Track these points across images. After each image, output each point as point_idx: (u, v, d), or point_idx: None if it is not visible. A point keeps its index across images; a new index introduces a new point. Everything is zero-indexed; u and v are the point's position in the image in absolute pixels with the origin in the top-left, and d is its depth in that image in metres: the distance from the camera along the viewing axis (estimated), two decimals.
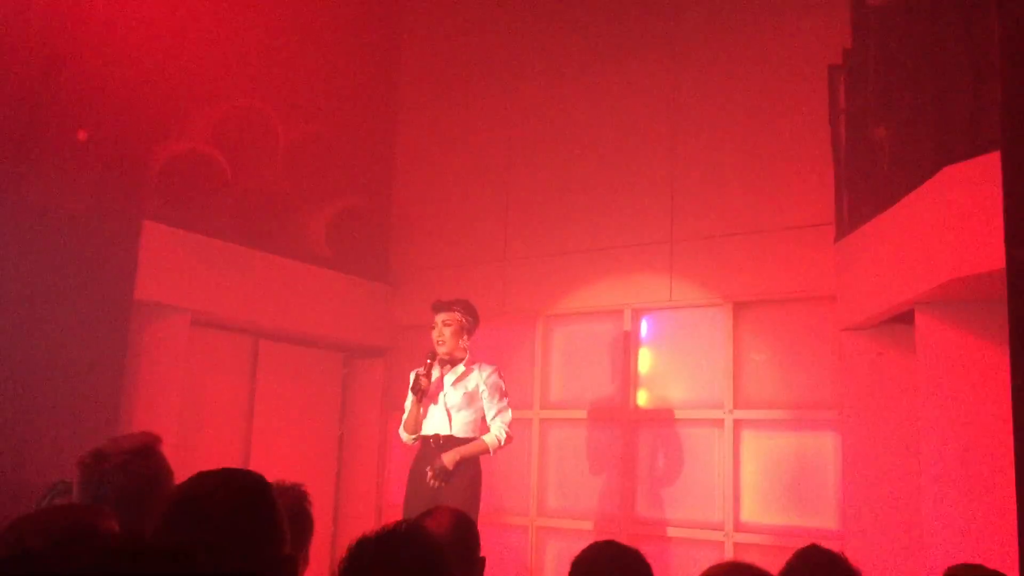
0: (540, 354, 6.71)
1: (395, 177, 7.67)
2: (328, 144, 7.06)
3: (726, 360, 5.97)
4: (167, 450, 2.51)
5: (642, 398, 6.34)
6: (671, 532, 5.98)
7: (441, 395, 5.11)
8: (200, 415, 6.28)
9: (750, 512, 5.80)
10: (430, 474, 4.94)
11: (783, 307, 5.90)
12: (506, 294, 6.85)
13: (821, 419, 5.66)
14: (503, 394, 5.14)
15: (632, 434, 6.26)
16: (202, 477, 1.81)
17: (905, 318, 4.92)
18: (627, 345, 6.35)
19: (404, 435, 5.20)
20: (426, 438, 5.11)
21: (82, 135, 5.35)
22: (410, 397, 5.15)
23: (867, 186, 5.24)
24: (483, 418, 5.11)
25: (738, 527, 5.77)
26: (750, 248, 5.98)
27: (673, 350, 6.30)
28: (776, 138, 5.99)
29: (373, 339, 7.31)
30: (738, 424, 5.89)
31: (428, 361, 5.12)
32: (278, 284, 6.57)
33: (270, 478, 2.06)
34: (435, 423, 5.09)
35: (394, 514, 6.05)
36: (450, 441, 5.03)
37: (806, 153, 5.84)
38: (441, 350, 5.12)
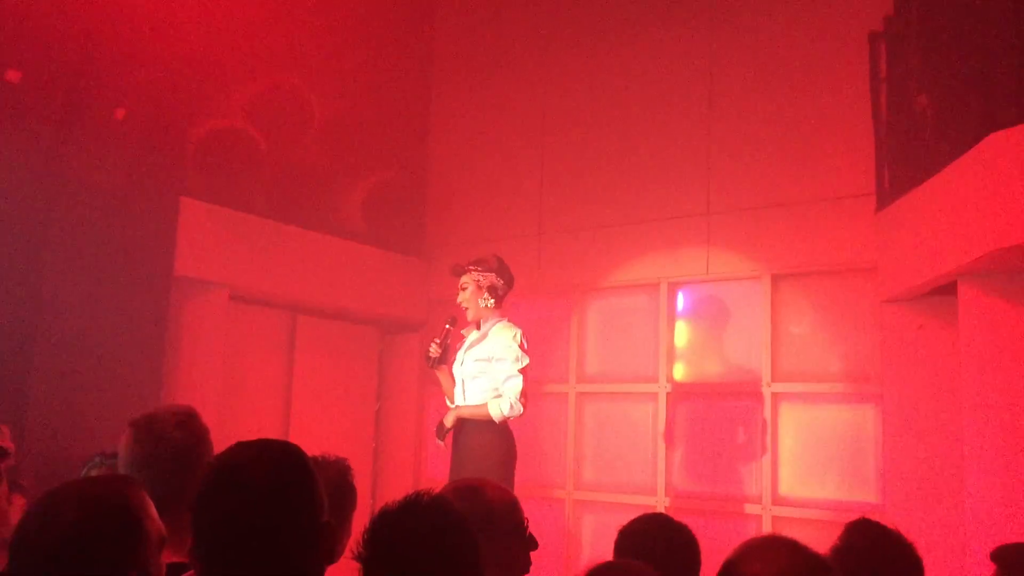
0: (576, 328, 6.72)
1: (430, 150, 7.67)
2: (362, 118, 7.06)
3: (764, 333, 5.95)
4: (208, 425, 2.54)
5: (679, 372, 6.33)
6: (708, 506, 5.98)
7: (460, 364, 4.91)
8: (239, 391, 6.34)
9: (788, 486, 5.79)
10: (436, 434, 4.87)
11: (822, 279, 5.87)
12: (541, 268, 6.85)
13: (861, 392, 5.63)
14: (516, 360, 4.72)
15: (669, 408, 6.27)
16: (240, 446, 1.83)
17: (947, 290, 4.87)
18: (664, 319, 6.35)
19: (448, 404, 5.07)
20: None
21: (119, 113, 5.40)
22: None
23: (909, 155, 5.18)
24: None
25: (776, 500, 5.77)
26: (789, 219, 5.94)
27: (710, 323, 6.28)
28: (815, 107, 5.92)
29: (409, 314, 7.34)
30: (777, 397, 5.88)
31: (446, 327, 4.92)
32: (314, 259, 6.61)
33: (312, 453, 2.07)
34: (456, 393, 4.94)
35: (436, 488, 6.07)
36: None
37: (846, 122, 5.77)
38: (469, 315, 4.93)
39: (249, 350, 6.53)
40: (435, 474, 7.07)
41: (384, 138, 7.25)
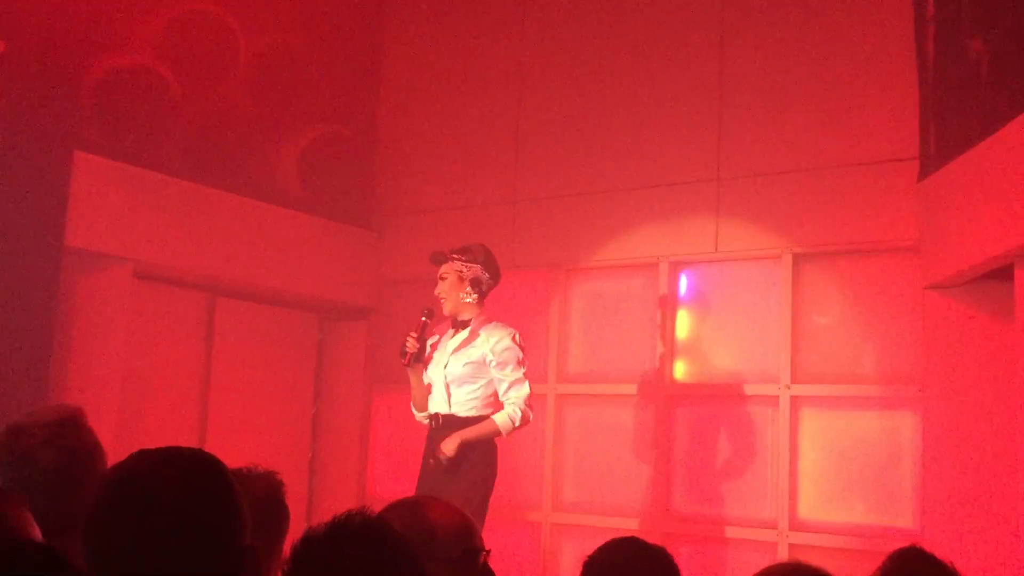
0: (557, 316, 6.72)
1: (382, 99, 7.64)
2: (300, 58, 7.01)
3: (783, 324, 5.97)
4: (106, 429, 2.53)
5: (680, 370, 6.36)
6: (713, 531, 6.01)
7: (442, 365, 5.06)
8: (145, 388, 6.31)
9: (809, 508, 5.84)
10: (432, 464, 4.96)
11: (853, 260, 5.90)
12: (516, 243, 6.84)
13: (897, 396, 5.67)
14: (519, 363, 4.98)
15: (668, 414, 6.29)
16: (142, 456, 1.81)
17: (1002, 274, 4.90)
18: (663, 306, 6.36)
19: (415, 414, 5.21)
20: (432, 417, 5.11)
21: None
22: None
23: (960, 112, 5.19)
24: (495, 393, 5.02)
25: (794, 525, 5.80)
26: (814, 188, 5.96)
27: (719, 312, 6.31)
28: (848, 52, 5.94)
29: (354, 297, 7.33)
30: (796, 402, 5.91)
31: (423, 319, 5.09)
32: (239, 230, 6.58)
33: (235, 464, 2.10)
34: (436, 400, 5.08)
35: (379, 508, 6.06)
36: (450, 421, 5.01)
37: (885, 72, 5.79)
38: (445, 308, 5.10)
39: (157, 339, 6.49)
40: (384, 491, 7.04)
41: (327, 83, 7.22)
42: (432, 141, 7.37)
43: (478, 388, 5.00)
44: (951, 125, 5.29)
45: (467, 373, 4.98)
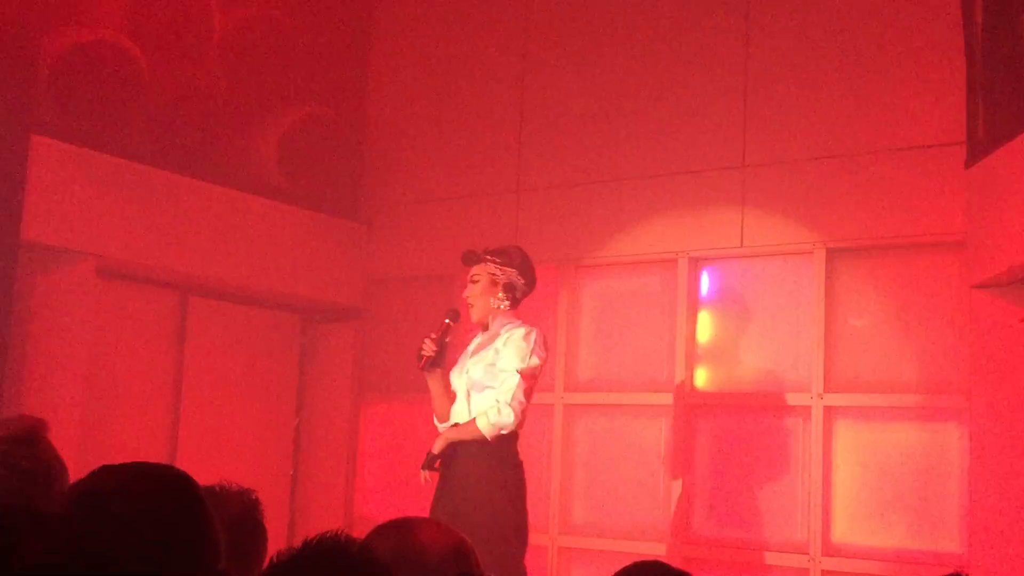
0: (565, 318, 6.72)
1: (372, 80, 7.64)
2: (281, 33, 7.00)
3: (815, 327, 5.96)
4: (68, 442, 2.51)
5: (702, 378, 6.35)
6: (738, 557, 5.99)
7: (461, 371, 5.08)
8: (111, 397, 6.31)
9: (844, 530, 5.82)
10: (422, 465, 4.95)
11: (893, 256, 5.89)
12: (519, 237, 6.80)
13: (941, 407, 5.66)
14: (521, 358, 4.88)
15: (688, 426, 6.27)
16: (107, 472, 1.83)
17: None
18: (682, 307, 6.34)
19: (437, 426, 5.15)
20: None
21: None
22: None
23: (1011, 91, 5.18)
24: None
25: (828, 550, 5.78)
26: (849, 176, 5.94)
27: (744, 313, 6.30)
28: (886, 25, 5.93)
29: (341, 296, 7.34)
30: (830, 413, 5.90)
31: (445, 322, 5.08)
32: (213, 222, 6.57)
33: (209, 480, 2.17)
34: (457, 409, 5.06)
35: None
36: None
37: (927, 47, 5.79)
38: (473, 315, 5.10)
39: (124, 343, 6.49)
40: (373, 510, 7.01)
41: (310, 60, 7.21)
42: (427, 124, 7.36)
43: (493, 394, 4.94)
44: (1002, 106, 5.27)
45: (487, 377, 4.96)
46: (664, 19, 6.61)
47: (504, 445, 4.86)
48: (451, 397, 5.07)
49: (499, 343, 4.98)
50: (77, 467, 2.29)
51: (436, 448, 4.92)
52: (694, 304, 6.37)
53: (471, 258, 5.11)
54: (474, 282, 5.08)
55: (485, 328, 5.11)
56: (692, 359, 6.33)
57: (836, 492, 5.84)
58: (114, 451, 5.21)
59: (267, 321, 7.29)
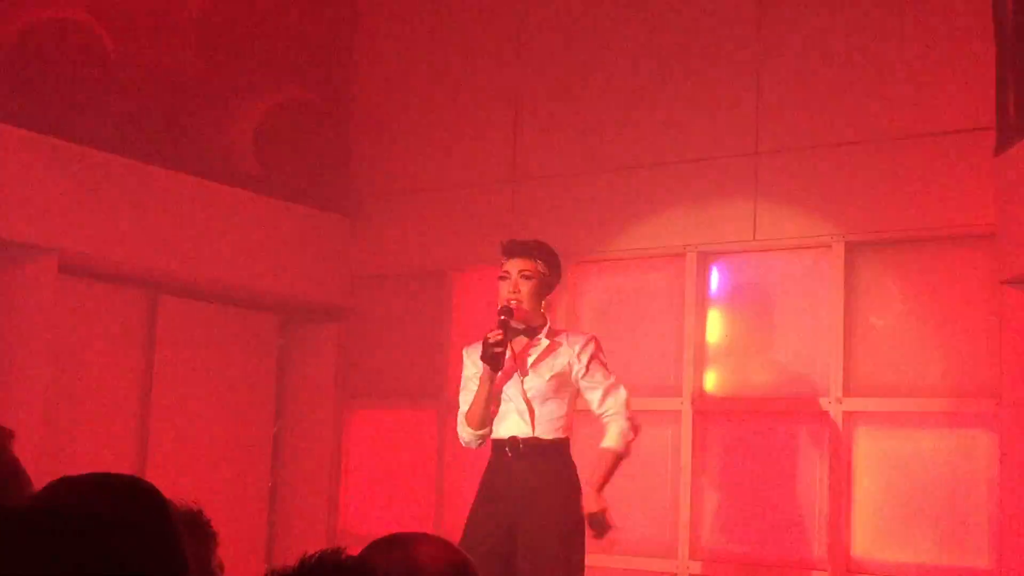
0: (564, 317, 6.68)
1: (358, 62, 7.64)
2: (260, 12, 7.03)
3: (834, 326, 5.96)
4: (28, 451, 2.53)
5: (712, 382, 6.36)
6: (752, 574, 6.00)
7: (515, 381, 5.00)
8: (74, 403, 6.32)
9: (865, 545, 5.83)
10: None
11: (917, 249, 5.89)
12: (516, 231, 6.77)
13: (970, 412, 5.66)
14: (608, 370, 5.03)
15: (697, 433, 6.28)
16: (67, 483, 1.79)
17: None
18: (691, 304, 6.34)
19: (466, 433, 5.08)
20: (499, 444, 5.01)
21: None
22: (469, 379, 5.06)
23: None
24: (569, 413, 5.05)
25: (848, 566, 5.79)
26: (870, 163, 5.95)
27: (758, 311, 6.31)
28: (909, 5, 5.93)
29: (323, 295, 7.34)
30: (850, 418, 5.90)
31: (502, 318, 4.90)
32: (186, 215, 6.57)
33: (176, 492, 2.06)
34: (511, 421, 5.01)
35: (359, 549, 6.04)
36: (533, 446, 4.95)
37: (954, 25, 5.78)
38: (515, 317, 4.94)
39: (88, 345, 6.50)
40: (358, 526, 7.01)
41: (291, 40, 7.23)
42: (416, 108, 7.36)
43: (563, 404, 5.03)
44: None
45: (552, 388, 4.98)
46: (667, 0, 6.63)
47: (573, 465, 5.05)
48: (497, 403, 5.03)
49: (569, 354, 5.00)
50: (36, 479, 2.28)
51: (595, 505, 4.92)
52: (703, 302, 6.37)
53: (519, 249, 5.01)
54: (527, 278, 4.96)
55: (522, 329, 5.01)
56: (701, 361, 6.33)
57: (856, 504, 5.84)
58: (77, 461, 5.22)
59: (243, 321, 7.30)
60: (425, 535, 2.45)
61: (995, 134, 5.54)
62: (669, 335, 6.44)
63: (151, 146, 6.48)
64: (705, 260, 6.39)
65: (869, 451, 5.88)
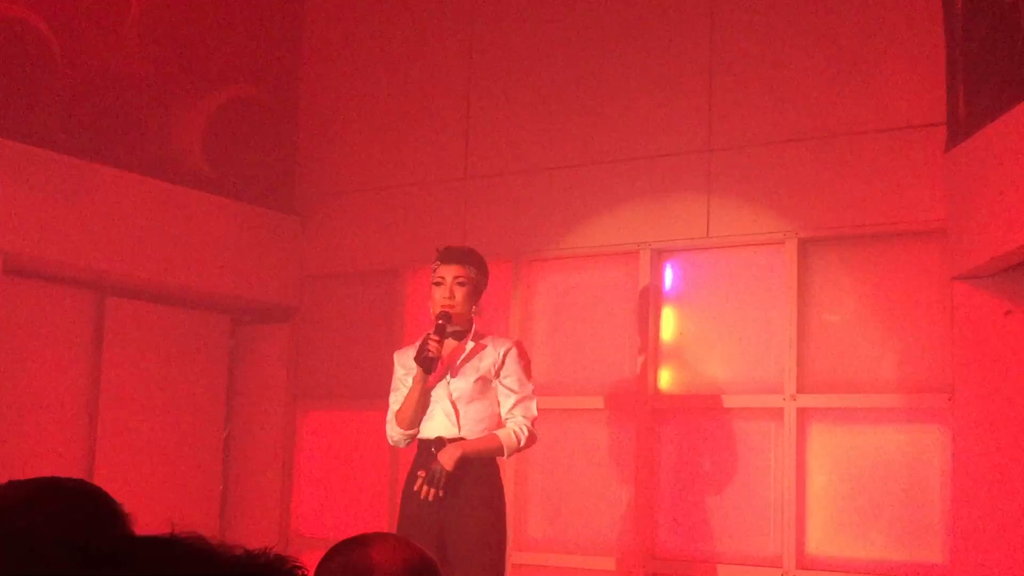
0: (518, 316, 6.73)
1: (305, 59, 7.62)
2: (206, 10, 6.99)
3: (787, 324, 5.98)
4: None
5: (666, 379, 6.37)
6: (706, 572, 6.00)
7: (443, 382, 5.17)
8: (20, 406, 6.27)
9: (819, 541, 5.86)
10: (420, 482, 4.98)
11: (869, 245, 5.92)
12: (467, 229, 6.83)
13: (923, 407, 5.69)
14: (527, 378, 5.24)
15: (651, 431, 6.28)
16: (14, 486, 1.83)
17: None
18: (645, 302, 6.36)
19: (395, 432, 5.24)
20: (425, 443, 5.13)
21: None
22: (400, 380, 5.24)
23: (994, 68, 5.19)
24: (494, 414, 5.21)
25: (802, 563, 5.82)
26: (823, 160, 5.97)
27: (711, 309, 6.32)
28: (860, 1, 5.95)
29: (273, 295, 7.33)
30: (804, 415, 5.93)
31: (440, 322, 5.10)
32: (132, 215, 6.54)
33: (128, 496, 2.05)
34: (436, 422, 5.16)
35: (312, 552, 6.03)
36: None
37: (904, 21, 5.81)
38: (450, 321, 5.10)
39: (33, 347, 6.45)
40: (311, 529, 6.99)
41: (237, 37, 7.20)
42: (365, 106, 7.35)
43: (488, 406, 5.21)
44: (984, 84, 5.30)
45: (477, 389, 5.17)
46: None
47: (496, 462, 5.19)
48: (426, 405, 5.15)
49: (493, 356, 5.20)
50: None
51: (450, 464, 4.96)
52: (657, 300, 6.38)
53: (455, 255, 5.21)
54: (461, 283, 5.15)
55: (453, 331, 5.17)
56: (655, 359, 6.34)
57: (811, 500, 5.87)
58: (23, 465, 5.17)
59: (193, 322, 7.25)
60: (383, 535, 2.47)
61: (946, 130, 5.58)
62: (622, 333, 6.45)
63: (98, 145, 6.44)
64: (659, 257, 6.41)
65: (823, 447, 5.90)
